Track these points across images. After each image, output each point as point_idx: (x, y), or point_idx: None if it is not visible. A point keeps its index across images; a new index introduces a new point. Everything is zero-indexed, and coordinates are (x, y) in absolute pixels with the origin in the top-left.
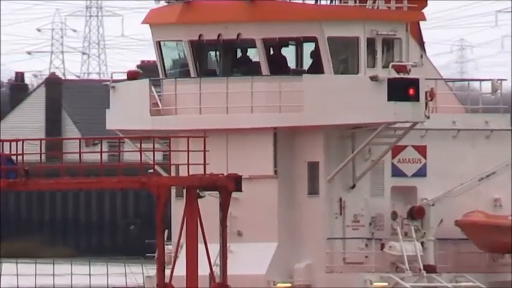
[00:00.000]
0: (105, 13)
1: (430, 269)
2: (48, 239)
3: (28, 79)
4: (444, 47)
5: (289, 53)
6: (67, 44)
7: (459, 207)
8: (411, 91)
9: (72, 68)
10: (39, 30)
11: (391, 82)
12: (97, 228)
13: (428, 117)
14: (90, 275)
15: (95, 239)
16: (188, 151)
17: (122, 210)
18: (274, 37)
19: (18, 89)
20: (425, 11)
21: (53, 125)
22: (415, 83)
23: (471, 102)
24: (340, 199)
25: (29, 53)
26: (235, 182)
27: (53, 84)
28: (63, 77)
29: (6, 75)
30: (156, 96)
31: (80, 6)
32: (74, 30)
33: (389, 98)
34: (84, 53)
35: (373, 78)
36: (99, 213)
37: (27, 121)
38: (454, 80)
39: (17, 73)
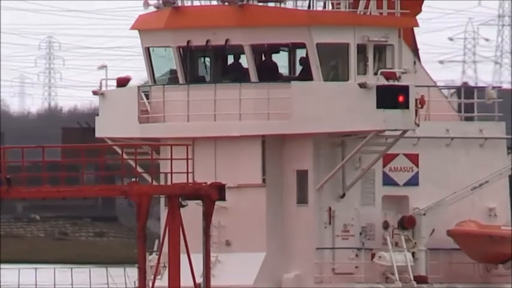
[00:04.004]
0: None
1: (421, 279)
2: None
3: None
4: None
5: (282, 59)
6: (479, 54)
7: (452, 217)
8: (401, 98)
9: (485, 78)
10: (451, 39)
11: (380, 89)
12: None
13: (418, 125)
14: (72, 285)
15: None
16: (171, 159)
17: None
18: (262, 43)
19: None
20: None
21: None
22: (404, 90)
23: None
24: (330, 208)
25: (441, 62)
26: (218, 191)
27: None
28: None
29: None
30: (147, 103)
31: (493, 15)
32: (486, 40)
33: (379, 106)
34: (496, 63)
35: (362, 85)
36: None
37: None
38: (447, 88)
39: None
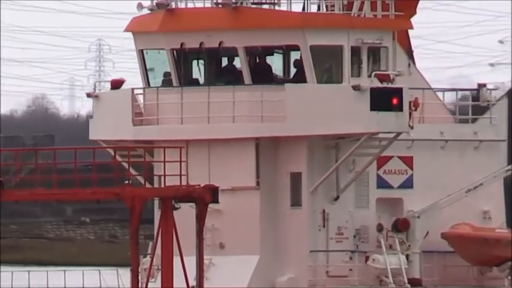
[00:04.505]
0: None
1: (415, 282)
2: None
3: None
4: None
5: (276, 61)
6: None
7: (446, 219)
8: (394, 101)
9: None
10: (501, 42)
11: (373, 91)
12: None
13: (412, 128)
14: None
15: None
16: (164, 162)
17: None
18: (256, 45)
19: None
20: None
21: None
22: (398, 92)
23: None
24: (324, 211)
25: (491, 64)
26: (211, 193)
27: None
28: None
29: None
30: (141, 105)
31: None
32: None
33: (372, 108)
34: None
35: (356, 88)
36: None
37: None
38: (442, 90)
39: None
